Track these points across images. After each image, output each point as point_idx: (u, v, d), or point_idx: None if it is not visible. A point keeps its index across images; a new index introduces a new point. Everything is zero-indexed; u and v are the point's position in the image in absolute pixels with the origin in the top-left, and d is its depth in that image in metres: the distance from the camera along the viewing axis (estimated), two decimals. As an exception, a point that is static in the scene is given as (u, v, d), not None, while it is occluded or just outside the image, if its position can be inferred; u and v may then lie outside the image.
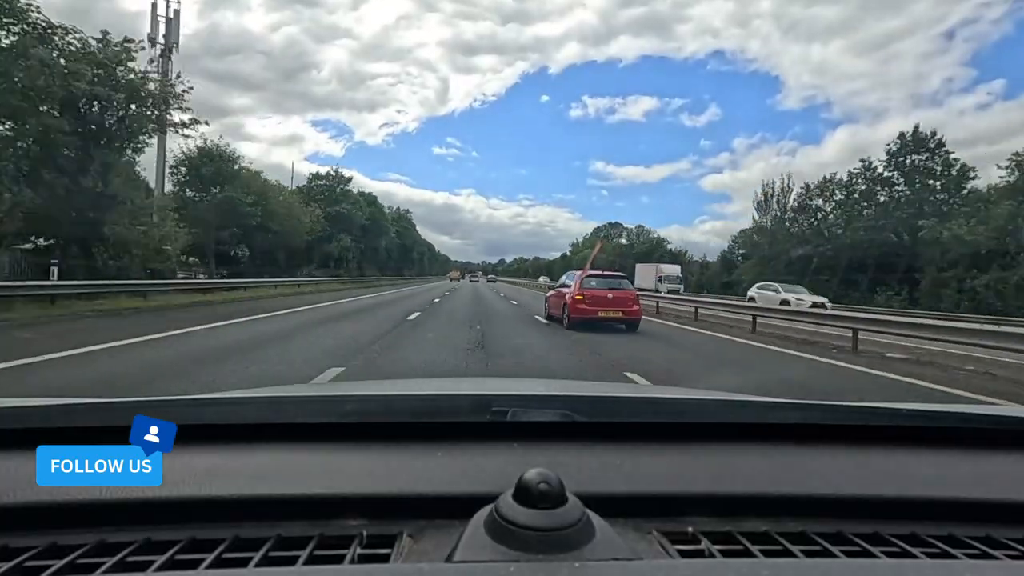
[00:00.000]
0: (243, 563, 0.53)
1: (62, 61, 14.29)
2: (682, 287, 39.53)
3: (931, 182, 33.24)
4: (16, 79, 13.20)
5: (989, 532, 0.63)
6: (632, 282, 13.84)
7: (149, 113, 17.29)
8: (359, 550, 0.56)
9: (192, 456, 0.70)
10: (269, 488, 0.65)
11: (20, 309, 10.42)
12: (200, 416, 0.84)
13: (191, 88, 18.35)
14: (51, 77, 13.58)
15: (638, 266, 44.75)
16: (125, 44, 16.15)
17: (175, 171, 28.37)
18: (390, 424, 0.84)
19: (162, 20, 23.70)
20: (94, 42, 15.63)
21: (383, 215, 63.16)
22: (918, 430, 0.87)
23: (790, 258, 38.27)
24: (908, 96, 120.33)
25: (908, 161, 34.03)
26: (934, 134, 33.57)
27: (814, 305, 19.34)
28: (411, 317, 12.55)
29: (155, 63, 22.33)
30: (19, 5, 13.12)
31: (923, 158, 33.65)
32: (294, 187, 45.42)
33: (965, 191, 32.55)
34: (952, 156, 33.08)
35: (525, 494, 0.51)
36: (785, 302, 20.22)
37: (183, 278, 21.56)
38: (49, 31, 14.02)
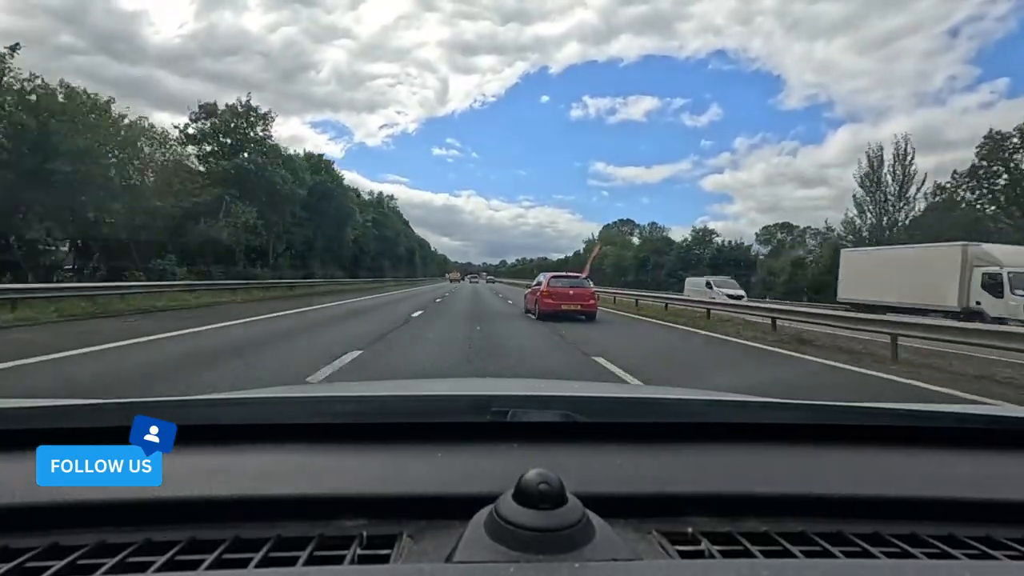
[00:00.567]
0: (243, 564, 0.53)
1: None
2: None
3: None
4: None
5: (989, 532, 0.63)
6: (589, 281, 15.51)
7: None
8: (359, 551, 0.56)
9: (192, 456, 0.70)
10: (269, 488, 0.65)
11: None
12: (200, 416, 0.84)
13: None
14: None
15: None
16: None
17: None
18: (390, 425, 0.84)
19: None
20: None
21: (344, 191, 42.32)
22: (917, 430, 0.87)
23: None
24: (911, 95, 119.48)
25: None
26: None
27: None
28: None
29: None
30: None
31: None
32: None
33: None
34: None
35: (525, 494, 0.51)
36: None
37: None
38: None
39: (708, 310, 15.52)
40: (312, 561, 0.54)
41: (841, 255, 23.61)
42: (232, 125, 29.33)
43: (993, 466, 0.80)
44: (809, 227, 55.55)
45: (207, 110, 29.01)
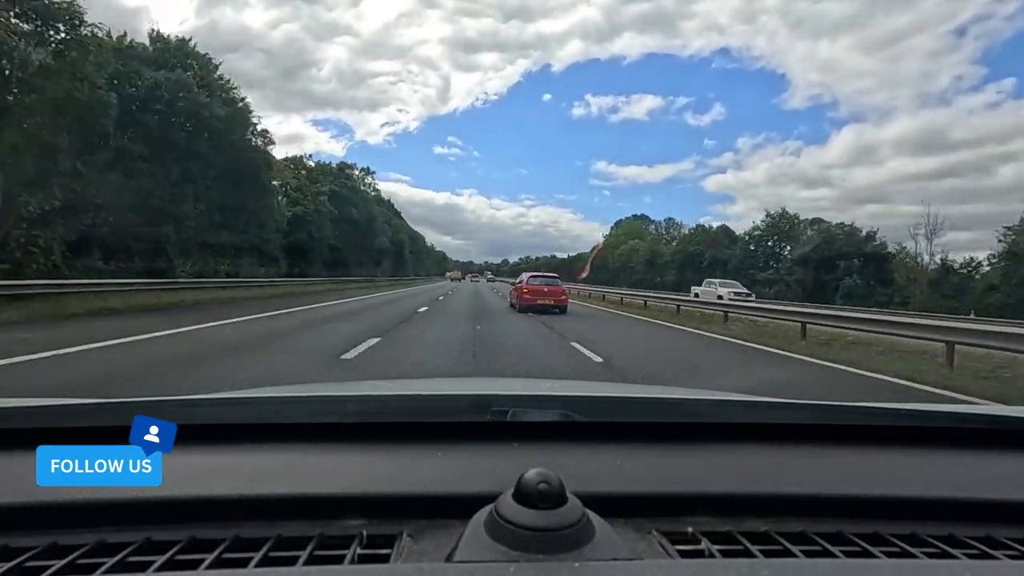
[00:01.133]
0: (243, 563, 0.53)
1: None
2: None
3: None
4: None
5: (989, 532, 0.63)
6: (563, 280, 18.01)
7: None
8: (359, 550, 0.56)
9: (192, 456, 0.70)
10: (269, 488, 0.65)
11: None
12: (200, 416, 0.83)
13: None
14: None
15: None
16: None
17: None
18: (390, 424, 0.83)
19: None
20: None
21: (245, 118, 25.01)
22: (917, 430, 0.87)
23: None
24: (916, 95, 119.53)
25: None
26: None
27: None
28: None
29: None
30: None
31: None
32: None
33: None
34: None
35: (525, 494, 0.50)
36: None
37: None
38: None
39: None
40: (312, 561, 0.54)
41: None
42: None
43: (993, 466, 0.80)
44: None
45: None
